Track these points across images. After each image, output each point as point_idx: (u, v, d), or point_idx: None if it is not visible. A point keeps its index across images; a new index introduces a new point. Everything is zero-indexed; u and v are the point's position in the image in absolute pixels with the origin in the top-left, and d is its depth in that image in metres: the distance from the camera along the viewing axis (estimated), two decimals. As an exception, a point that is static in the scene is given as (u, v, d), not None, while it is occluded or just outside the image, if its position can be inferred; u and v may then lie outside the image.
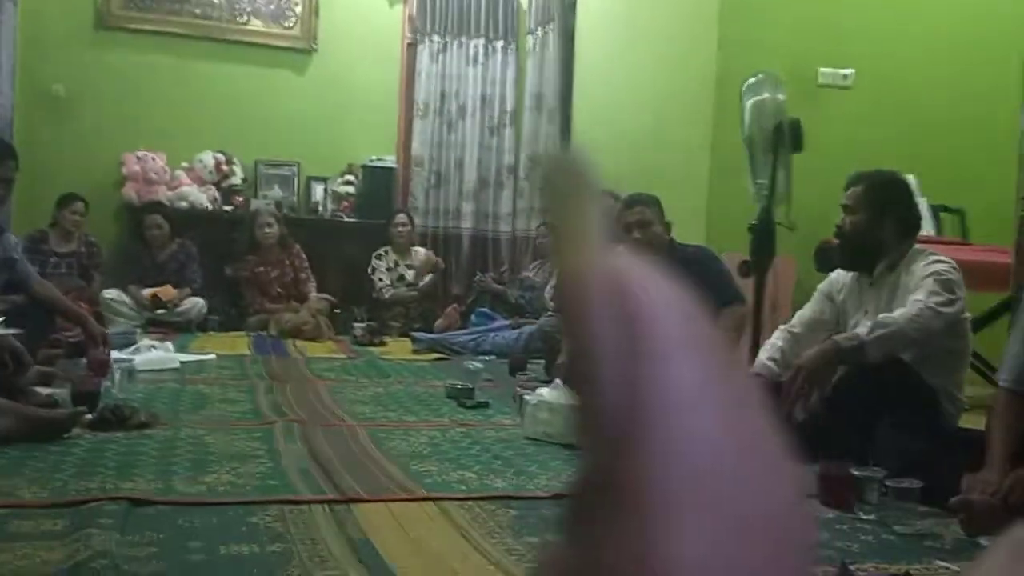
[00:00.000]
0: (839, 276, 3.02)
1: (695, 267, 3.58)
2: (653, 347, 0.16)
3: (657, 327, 0.16)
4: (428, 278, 5.98)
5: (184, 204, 5.88)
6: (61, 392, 2.89)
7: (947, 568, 1.82)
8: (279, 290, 5.75)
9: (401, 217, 6.02)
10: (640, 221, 3.62)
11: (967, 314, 2.81)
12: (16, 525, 1.76)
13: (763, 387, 2.75)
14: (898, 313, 2.61)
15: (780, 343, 2.94)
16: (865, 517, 2.15)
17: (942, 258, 2.79)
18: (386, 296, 5.87)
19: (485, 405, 3.36)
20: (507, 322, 5.23)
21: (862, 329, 2.62)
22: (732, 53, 6.00)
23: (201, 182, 6.01)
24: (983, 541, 1.66)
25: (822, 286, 3.06)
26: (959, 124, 5.42)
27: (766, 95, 3.90)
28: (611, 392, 0.17)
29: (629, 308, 0.16)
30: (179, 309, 5.42)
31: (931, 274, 2.69)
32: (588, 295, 0.16)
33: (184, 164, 6.02)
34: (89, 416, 2.64)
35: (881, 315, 2.64)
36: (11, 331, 2.80)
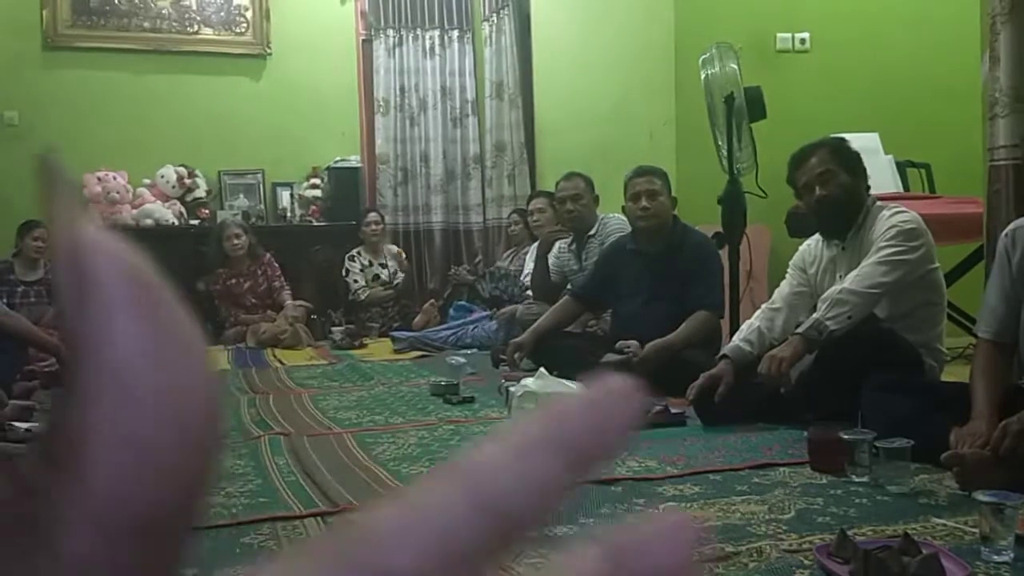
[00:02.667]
0: (808, 248, 3.04)
1: (691, 256, 3.60)
2: (100, 305, 0.17)
3: (106, 289, 0.18)
4: (402, 277, 5.95)
5: (149, 221, 5.80)
6: (40, 426, 2.84)
7: (944, 524, 1.83)
8: (253, 300, 5.69)
9: (373, 216, 5.97)
10: (649, 191, 3.64)
11: (937, 264, 2.84)
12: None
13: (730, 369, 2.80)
14: (851, 282, 2.64)
15: (758, 323, 2.96)
16: (858, 480, 2.15)
17: (902, 209, 2.82)
18: (363, 297, 5.83)
19: (471, 400, 3.34)
20: (486, 313, 5.21)
21: (819, 312, 2.65)
22: (689, 25, 6.00)
23: (165, 198, 5.93)
24: (978, 495, 1.66)
25: (794, 260, 3.07)
26: (919, 79, 5.45)
27: (718, 67, 3.91)
28: (69, 343, 0.18)
29: (83, 269, 0.17)
30: None
31: (892, 227, 2.72)
32: (59, 259, 0.17)
33: (146, 181, 5.94)
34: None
35: (834, 290, 2.67)
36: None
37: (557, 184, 4.51)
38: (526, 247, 5.45)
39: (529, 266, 5.26)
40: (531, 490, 0.22)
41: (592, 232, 4.35)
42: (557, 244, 4.63)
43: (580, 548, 0.22)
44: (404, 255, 6.10)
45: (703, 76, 3.85)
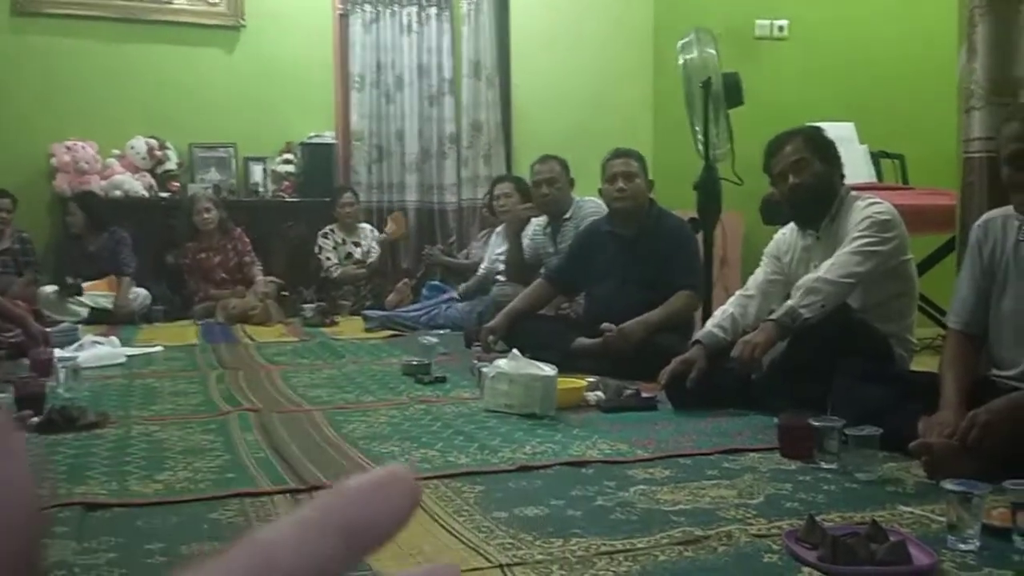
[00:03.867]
0: (783, 237, 3.05)
1: (667, 239, 3.60)
2: None
3: None
4: (376, 255, 5.90)
5: (119, 193, 5.71)
6: (4, 396, 2.80)
7: (911, 512, 1.85)
8: (223, 275, 5.63)
9: (348, 196, 5.92)
10: (626, 172, 3.64)
11: (910, 255, 2.86)
12: (-35, 540, 1.69)
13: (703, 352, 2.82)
14: (825, 271, 2.66)
15: (732, 309, 2.97)
16: (826, 466, 2.17)
17: (876, 200, 2.83)
18: (335, 275, 5.79)
19: (443, 380, 3.33)
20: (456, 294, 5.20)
21: (793, 300, 2.66)
22: (668, 10, 5.99)
23: (135, 169, 5.84)
24: (946, 484, 1.67)
25: (768, 248, 3.08)
26: (896, 69, 5.48)
27: (696, 52, 3.90)
28: None
29: None
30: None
31: (866, 217, 2.74)
32: None
33: (116, 152, 5.84)
34: (35, 419, 2.56)
35: (808, 278, 2.68)
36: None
37: (532, 167, 4.50)
38: (493, 230, 5.44)
39: (494, 250, 5.25)
40: (312, 566, 0.25)
41: (567, 215, 4.34)
42: (532, 225, 4.62)
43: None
44: (377, 233, 6.04)
45: (681, 61, 3.84)
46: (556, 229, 4.40)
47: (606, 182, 3.69)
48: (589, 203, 4.26)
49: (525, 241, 4.61)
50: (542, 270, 4.28)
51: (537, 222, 4.61)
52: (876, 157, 4.81)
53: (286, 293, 5.61)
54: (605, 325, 3.44)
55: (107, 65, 5.88)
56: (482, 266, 5.25)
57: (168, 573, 1.51)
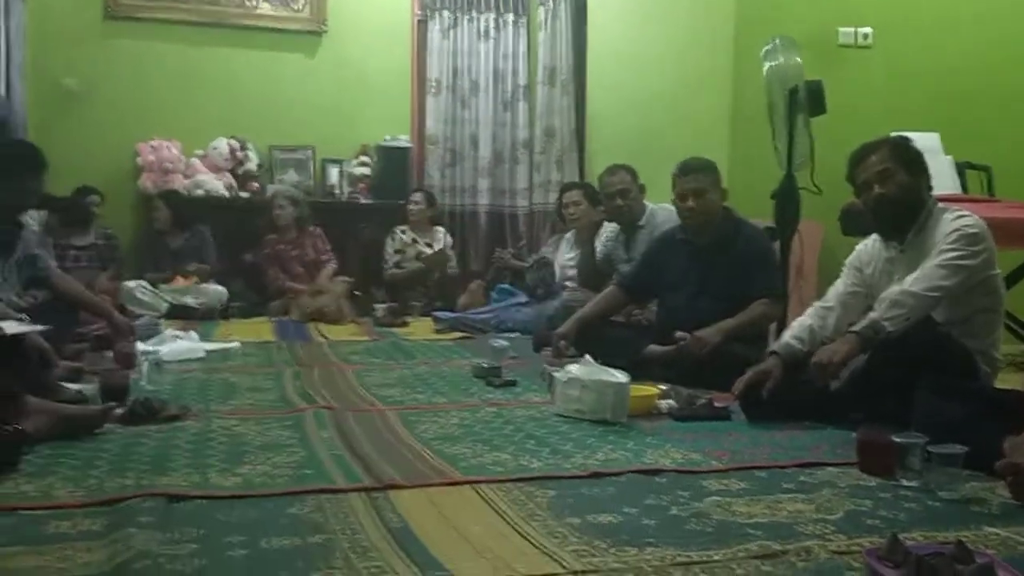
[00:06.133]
0: (866, 248, 2.98)
1: (744, 248, 3.54)
2: None
3: None
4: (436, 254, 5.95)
5: (200, 192, 5.87)
6: (90, 388, 2.89)
7: (996, 534, 1.79)
8: (300, 269, 5.76)
9: (415, 196, 6.02)
10: (695, 189, 3.58)
11: (997, 270, 2.77)
12: (54, 526, 1.75)
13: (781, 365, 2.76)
14: (911, 283, 2.59)
15: (810, 321, 2.91)
16: (908, 484, 2.11)
17: (965, 213, 2.75)
18: (387, 273, 5.88)
19: (513, 383, 3.34)
20: (528, 299, 5.21)
21: (877, 312, 2.59)
22: (749, 18, 5.92)
23: (216, 169, 5.99)
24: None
25: (851, 259, 3.01)
26: (982, 78, 5.32)
27: (782, 59, 3.85)
28: None
29: None
30: (199, 287, 5.43)
31: (954, 230, 2.67)
32: None
33: (199, 152, 6.00)
34: (119, 411, 2.63)
35: (893, 291, 2.61)
36: (36, 327, 2.78)
37: (600, 178, 4.47)
38: (563, 236, 5.44)
39: (563, 256, 5.24)
40: None
41: (641, 223, 4.32)
42: (605, 231, 4.60)
43: None
44: (449, 253, 6.08)
45: (765, 68, 3.79)
46: (630, 237, 4.37)
47: (676, 198, 3.65)
48: (662, 211, 4.23)
49: (597, 247, 4.59)
50: (614, 277, 4.27)
51: (610, 228, 4.59)
52: (961, 168, 4.68)
53: (358, 292, 5.70)
54: (679, 333, 3.40)
55: (192, 68, 6.05)
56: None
57: (247, 566, 1.54)
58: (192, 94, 6.03)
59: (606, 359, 2.95)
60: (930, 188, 2.85)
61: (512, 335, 4.64)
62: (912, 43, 5.53)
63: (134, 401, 2.69)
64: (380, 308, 5.36)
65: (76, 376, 3.12)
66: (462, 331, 4.91)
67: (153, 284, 5.34)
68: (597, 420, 2.70)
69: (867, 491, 2.08)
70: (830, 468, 2.26)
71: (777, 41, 3.80)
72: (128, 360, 3.28)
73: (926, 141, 3.93)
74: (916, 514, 1.92)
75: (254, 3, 6.16)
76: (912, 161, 2.81)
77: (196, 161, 5.98)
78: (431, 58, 6.38)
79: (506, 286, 5.57)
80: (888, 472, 2.17)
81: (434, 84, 6.38)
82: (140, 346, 3.55)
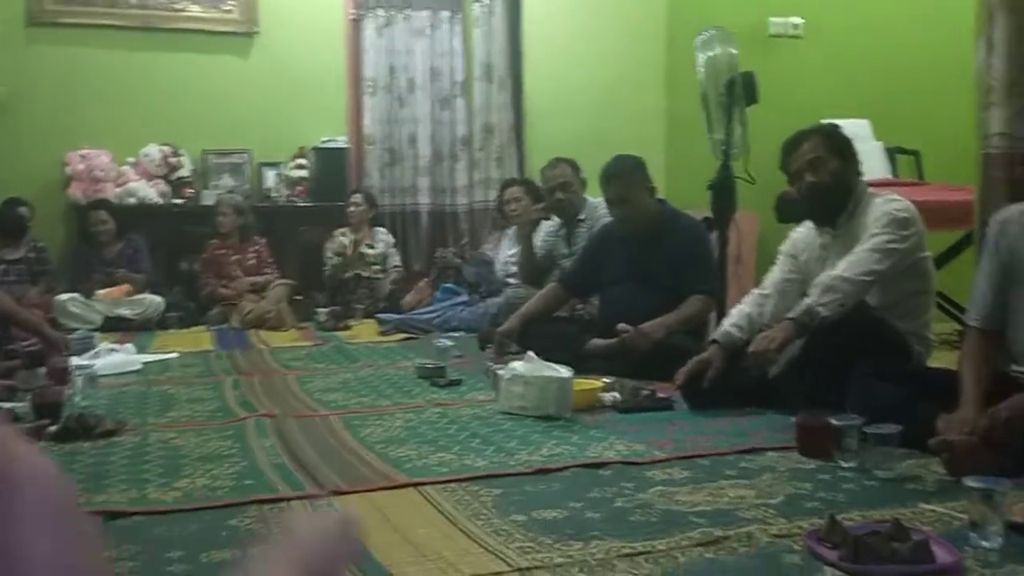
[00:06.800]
0: (800, 235, 3.03)
1: (681, 240, 3.59)
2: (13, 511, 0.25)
3: (21, 494, 0.25)
4: (393, 258, 5.91)
5: (132, 200, 5.74)
6: (21, 406, 2.81)
7: (932, 510, 1.83)
8: (238, 273, 5.66)
9: (355, 197, 5.96)
10: (618, 197, 3.66)
11: (927, 253, 2.84)
12: (-14, 549, 1.70)
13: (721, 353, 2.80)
14: (843, 268, 2.64)
15: (748, 309, 2.95)
16: (846, 465, 2.15)
17: (895, 197, 2.81)
18: (326, 275, 5.82)
19: (458, 383, 3.33)
20: (469, 298, 5.20)
21: (811, 298, 2.64)
22: (681, 9, 5.98)
23: (149, 176, 5.86)
24: (967, 481, 1.66)
25: (784, 247, 3.06)
26: (911, 65, 5.44)
27: (718, 50, 3.89)
28: None
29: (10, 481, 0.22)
30: (134, 298, 5.31)
31: (884, 214, 2.72)
32: None
33: (130, 159, 5.86)
34: (53, 428, 2.56)
35: (826, 276, 2.66)
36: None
37: (542, 171, 4.49)
38: (504, 233, 5.44)
39: (504, 252, 5.24)
40: None
41: (581, 217, 4.34)
42: (544, 227, 4.61)
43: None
44: (392, 238, 6.05)
45: (702, 59, 3.82)
46: (570, 231, 4.39)
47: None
48: (603, 204, 4.25)
49: (538, 243, 4.60)
50: (556, 272, 4.28)
51: (550, 224, 4.60)
52: (891, 153, 4.78)
53: (299, 296, 5.63)
54: (622, 326, 3.42)
55: (120, 73, 5.91)
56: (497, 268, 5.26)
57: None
58: (121, 100, 5.89)
59: (550, 355, 2.96)
60: (860, 174, 2.91)
61: (456, 334, 4.62)
62: (842, 32, 5.63)
63: (68, 417, 2.62)
64: (322, 312, 5.30)
65: (9, 395, 3.03)
66: (406, 332, 4.88)
67: (86, 295, 5.22)
68: (541, 416, 2.71)
69: (806, 474, 2.12)
70: (770, 453, 2.29)
71: (712, 31, 3.83)
72: (62, 375, 3.20)
73: (857, 128, 4.01)
74: (854, 494, 1.96)
75: (182, 5, 6.04)
76: (842, 148, 2.86)
77: (128, 169, 5.85)
78: (366, 57, 6.32)
79: (450, 285, 5.55)
80: (826, 454, 2.21)
81: (370, 83, 6.32)
82: (74, 360, 3.46)
